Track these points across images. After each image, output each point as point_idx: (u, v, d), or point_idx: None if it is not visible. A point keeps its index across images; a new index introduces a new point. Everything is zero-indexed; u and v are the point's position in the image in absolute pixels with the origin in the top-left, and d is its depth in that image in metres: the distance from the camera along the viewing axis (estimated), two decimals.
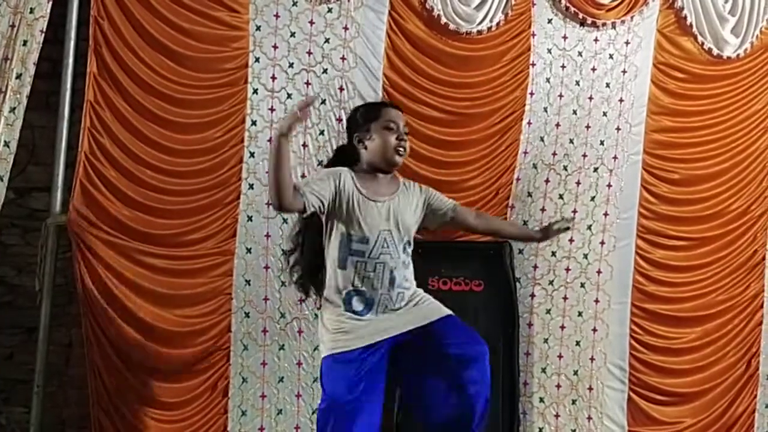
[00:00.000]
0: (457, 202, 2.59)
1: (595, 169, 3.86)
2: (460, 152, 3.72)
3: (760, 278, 4.07)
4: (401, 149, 2.40)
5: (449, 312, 2.42)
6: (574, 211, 3.83)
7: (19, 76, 3.09)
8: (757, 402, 4.04)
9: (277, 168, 2.15)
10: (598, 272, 3.85)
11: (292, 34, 3.49)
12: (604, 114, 3.88)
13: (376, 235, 2.32)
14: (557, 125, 3.82)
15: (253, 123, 3.45)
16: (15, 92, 3.09)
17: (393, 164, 2.41)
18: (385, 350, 2.31)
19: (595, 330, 3.84)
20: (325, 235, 2.34)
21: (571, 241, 3.82)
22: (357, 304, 2.30)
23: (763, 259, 4.08)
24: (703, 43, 3.98)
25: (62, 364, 3.40)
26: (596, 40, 3.86)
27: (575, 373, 3.81)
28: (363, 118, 2.44)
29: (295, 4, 3.49)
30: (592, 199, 3.85)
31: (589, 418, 3.81)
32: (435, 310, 2.39)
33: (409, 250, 2.39)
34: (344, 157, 2.46)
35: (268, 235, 3.45)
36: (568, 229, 2.69)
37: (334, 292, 2.32)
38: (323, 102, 3.53)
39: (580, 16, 3.82)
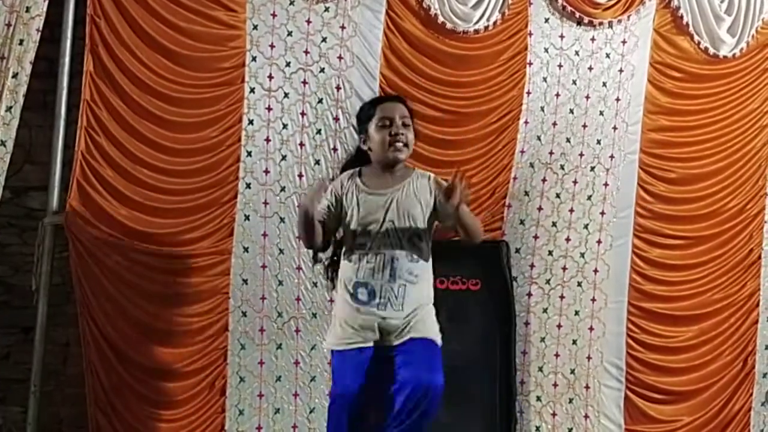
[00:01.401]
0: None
1: (592, 168, 3.87)
2: (457, 151, 3.72)
3: (756, 277, 4.09)
4: (397, 143, 2.42)
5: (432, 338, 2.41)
6: (571, 210, 3.84)
7: (15, 75, 3.08)
8: (753, 400, 4.06)
9: (308, 233, 2.39)
10: (595, 271, 3.86)
11: (289, 33, 3.49)
12: (601, 113, 3.89)
13: (378, 227, 2.37)
14: (554, 124, 3.83)
15: (250, 122, 3.45)
16: (11, 91, 3.08)
17: (393, 160, 2.44)
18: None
19: (591, 329, 3.85)
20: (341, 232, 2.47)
21: (567, 240, 3.83)
22: (362, 296, 2.37)
23: (759, 257, 4.10)
24: (699, 43, 3.99)
25: (59, 363, 3.40)
26: (593, 39, 3.87)
27: (572, 371, 3.82)
28: (361, 120, 2.52)
29: (292, 3, 3.49)
30: (589, 198, 3.86)
31: (586, 416, 3.82)
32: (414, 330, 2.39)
33: (420, 243, 2.40)
34: (361, 157, 2.54)
35: (265, 235, 3.45)
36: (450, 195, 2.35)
37: (342, 285, 2.41)
38: (320, 101, 3.53)
39: (577, 15, 3.83)
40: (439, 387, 2.32)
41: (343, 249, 2.45)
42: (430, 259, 2.47)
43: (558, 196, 3.83)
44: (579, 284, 3.84)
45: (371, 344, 2.36)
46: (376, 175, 2.46)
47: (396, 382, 2.30)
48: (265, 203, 3.45)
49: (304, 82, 3.51)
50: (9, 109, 3.08)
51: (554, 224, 3.82)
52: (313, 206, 2.34)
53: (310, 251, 2.59)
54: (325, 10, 3.53)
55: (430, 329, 2.42)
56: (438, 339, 2.43)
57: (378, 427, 2.34)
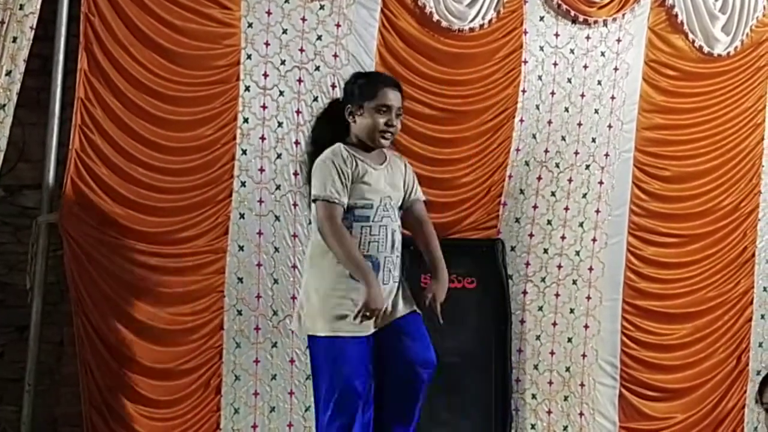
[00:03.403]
0: (423, 200, 2.61)
1: (587, 167, 3.88)
2: (452, 149, 3.72)
3: (750, 275, 4.10)
4: (388, 134, 2.47)
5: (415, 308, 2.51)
6: (566, 208, 3.85)
7: (8, 73, 3.06)
8: (747, 397, 4.08)
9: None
10: (590, 269, 3.86)
11: (284, 31, 3.48)
12: (596, 111, 3.89)
13: (379, 199, 2.42)
14: (549, 122, 3.83)
15: (245, 120, 3.44)
16: (5, 89, 3.06)
17: (378, 146, 2.49)
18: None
19: (586, 327, 3.86)
20: None
21: (563, 238, 3.84)
22: None
23: (753, 255, 4.11)
24: (694, 41, 4.00)
25: (54, 362, 3.38)
26: (588, 37, 3.87)
27: (567, 369, 3.83)
28: (360, 92, 2.48)
29: (287, 1, 3.48)
30: (584, 196, 3.87)
31: (581, 414, 3.83)
32: (408, 300, 2.49)
33: (400, 213, 2.52)
34: (333, 114, 2.53)
35: (260, 233, 3.44)
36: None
37: (331, 256, 2.37)
38: (315, 99, 3.52)
39: (572, 13, 3.83)
40: (435, 362, 2.46)
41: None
42: None
43: (553, 194, 3.84)
44: (574, 282, 3.85)
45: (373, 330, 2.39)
46: (361, 150, 2.46)
47: (400, 361, 2.38)
48: (260, 201, 3.45)
49: (299, 80, 3.50)
50: (2, 106, 3.06)
51: (549, 222, 3.83)
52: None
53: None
54: (320, 9, 3.52)
55: (412, 300, 2.51)
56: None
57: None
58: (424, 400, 2.49)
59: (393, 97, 2.47)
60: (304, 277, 2.52)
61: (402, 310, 2.45)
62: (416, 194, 2.58)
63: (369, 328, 2.38)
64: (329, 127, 2.52)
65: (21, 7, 3.08)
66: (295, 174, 3.48)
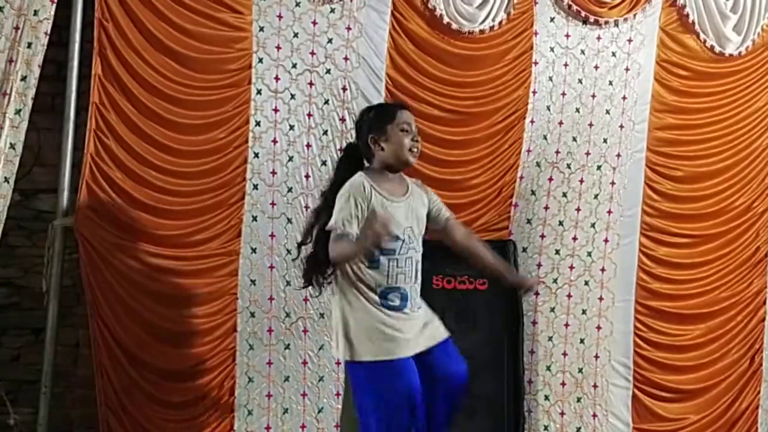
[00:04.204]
0: (453, 216, 2.71)
1: (599, 167, 3.87)
2: (463, 151, 3.72)
3: (763, 275, 4.08)
4: (415, 149, 2.54)
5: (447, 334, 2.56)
6: (578, 209, 3.84)
7: (24, 78, 3.10)
8: (761, 398, 4.05)
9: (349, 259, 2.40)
10: (602, 270, 3.86)
11: (295, 35, 3.50)
12: (607, 112, 3.88)
13: (402, 232, 2.45)
14: (560, 123, 3.83)
15: (257, 124, 3.46)
16: (20, 94, 3.10)
17: (407, 164, 2.55)
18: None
19: (599, 327, 3.85)
20: None
21: (574, 239, 3.83)
22: (394, 300, 2.43)
23: (766, 255, 4.09)
24: (705, 41, 3.98)
25: (70, 364, 3.41)
26: (599, 38, 3.86)
27: (580, 370, 3.82)
28: (379, 119, 2.55)
29: (298, 4, 3.50)
30: (596, 196, 3.86)
31: (594, 415, 3.82)
32: (439, 330, 2.54)
33: (422, 242, 2.56)
34: (354, 155, 2.60)
35: (272, 235, 3.46)
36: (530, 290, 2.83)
37: (360, 292, 2.42)
38: (326, 102, 3.54)
39: (583, 14, 3.83)
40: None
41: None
42: None
43: (565, 195, 3.83)
44: (586, 283, 3.84)
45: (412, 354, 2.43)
46: (384, 179, 2.50)
47: (439, 382, 2.45)
48: (273, 204, 3.47)
49: (311, 84, 3.52)
50: (18, 111, 3.10)
51: (561, 223, 3.83)
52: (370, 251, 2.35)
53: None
54: (330, 12, 3.54)
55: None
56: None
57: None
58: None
59: (410, 116, 2.57)
60: (339, 305, 2.50)
61: (439, 336, 2.52)
62: (444, 212, 2.65)
63: (410, 350, 2.43)
64: (350, 168, 2.55)
65: (35, 13, 3.12)
66: (307, 177, 3.50)
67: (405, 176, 2.62)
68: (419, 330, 2.46)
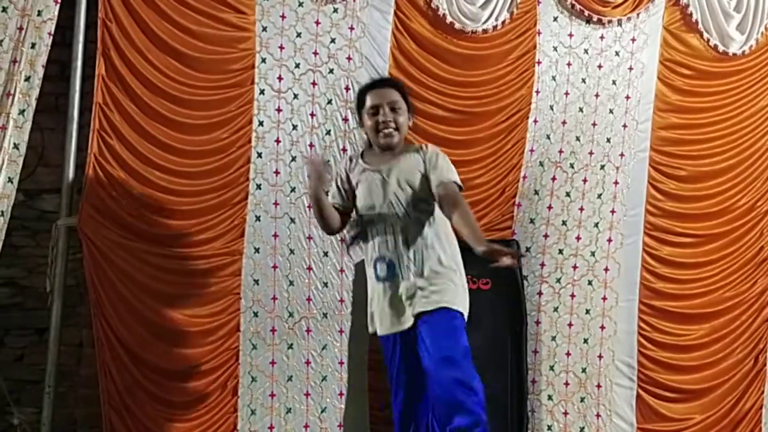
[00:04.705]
0: (451, 183, 2.52)
1: (602, 167, 3.86)
2: (467, 150, 3.72)
3: (767, 274, 4.07)
4: (385, 130, 2.55)
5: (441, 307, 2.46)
6: (581, 209, 3.84)
7: (27, 79, 3.10)
8: (765, 398, 4.04)
9: (323, 219, 2.54)
10: (606, 270, 3.85)
11: (298, 35, 3.51)
12: (611, 111, 3.88)
13: (382, 199, 2.49)
14: (563, 123, 3.83)
15: (260, 123, 3.46)
16: (24, 95, 3.10)
17: (384, 146, 2.57)
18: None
19: (602, 327, 3.84)
20: None
21: (578, 238, 3.83)
22: (381, 271, 2.47)
23: None
24: (708, 40, 3.98)
25: (73, 364, 3.41)
26: (602, 37, 3.86)
27: (583, 370, 3.81)
28: (356, 106, 2.69)
29: (301, 4, 3.50)
30: (599, 196, 3.86)
31: (598, 415, 3.82)
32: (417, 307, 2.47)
33: (428, 207, 2.50)
34: None
35: (275, 235, 3.46)
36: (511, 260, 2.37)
37: (367, 267, 2.55)
38: (329, 102, 3.54)
39: (586, 13, 3.82)
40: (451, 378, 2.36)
41: (360, 234, 2.55)
42: (448, 224, 2.50)
43: (568, 194, 3.83)
44: (590, 283, 3.84)
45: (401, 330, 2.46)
46: (375, 153, 2.60)
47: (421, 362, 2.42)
48: (276, 204, 3.47)
49: (314, 83, 3.52)
50: (22, 112, 3.10)
51: (564, 223, 3.82)
52: (318, 191, 2.46)
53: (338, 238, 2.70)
54: (333, 12, 3.54)
55: (451, 298, 2.45)
56: (459, 307, 2.47)
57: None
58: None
59: (380, 94, 2.58)
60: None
61: (425, 305, 2.46)
62: (440, 178, 2.51)
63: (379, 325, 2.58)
64: None
65: (39, 14, 3.12)
66: (309, 177, 3.49)
67: (414, 145, 2.71)
68: (397, 304, 2.47)
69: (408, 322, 2.46)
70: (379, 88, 2.64)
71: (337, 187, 2.65)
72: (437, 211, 2.49)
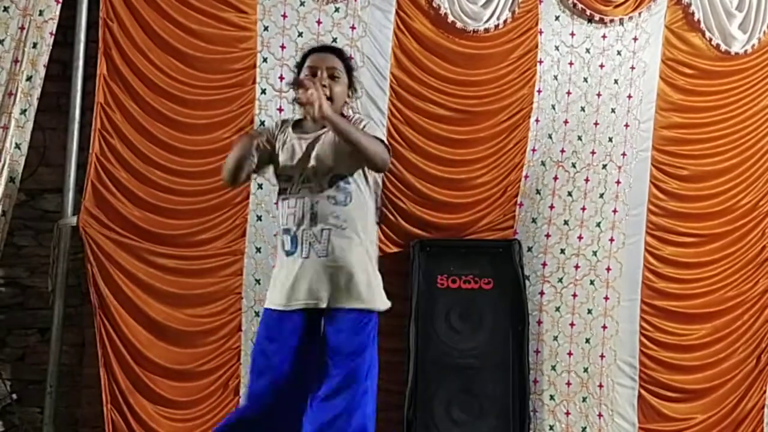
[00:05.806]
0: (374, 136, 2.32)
1: (604, 166, 3.86)
2: (468, 150, 3.72)
3: None
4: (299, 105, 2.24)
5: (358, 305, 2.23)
6: (583, 209, 3.83)
7: (29, 78, 3.11)
8: (767, 398, 4.04)
9: (234, 167, 2.29)
10: (608, 269, 3.85)
11: (300, 34, 3.50)
12: (613, 111, 3.87)
13: (300, 170, 2.27)
14: (565, 122, 3.82)
15: (262, 123, 3.45)
16: (26, 94, 3.11)
17: (309, 113, 2.23)
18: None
19: (604, 327, 3.84)
20: None
21: (580, 238, 3.83)
22: (287, 243, 2.26)
23: None
24: (711, 39, 3.97)
25: (75, 364, 3.42)
26: (604, 36, 3.85)
27: (585, 370, 3.81)
28: (295, 66, 2.43)
29: (302, 4, 3.50)
30: (601, 195, 3.85)
31: (600, 415, 3.81)
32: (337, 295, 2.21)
33: (346, 186, 2.26)
34: None
35: (277, 235, 3.45)
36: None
37: (279, 235, 2.32)
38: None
39: (588, 12, 3.82)
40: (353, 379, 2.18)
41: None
42: (367, 208, 2.29)
43: (570, 194, 3.82)
44: (591, 282, 3.83)
45: (302, 307, 2.22)
46: (308, 121, 2.31)
47: (326, 357, 2.19)
48: (277, 203, 3.46)
49: None
50: (23, 111, 3.10)
51: (566, 222, 3.82)
52: (248, 147, 2.22)
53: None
54: (335, 11, 3.54)
55: (365, 295, 2.22)
56: (375, 305, 2.24)
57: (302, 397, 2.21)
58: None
59: (319, 59, 2.33)
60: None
61: (338, 301, 2.22)
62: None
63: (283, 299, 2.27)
64: None
65: (40, 13, 3.13)
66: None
67: (355, 115, 2.41)
68: (307, 281, 2.20)
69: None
70: (318, 52, 2.38)
71: (267, 138, 2.33)
72: (356, 193, 2.27)
